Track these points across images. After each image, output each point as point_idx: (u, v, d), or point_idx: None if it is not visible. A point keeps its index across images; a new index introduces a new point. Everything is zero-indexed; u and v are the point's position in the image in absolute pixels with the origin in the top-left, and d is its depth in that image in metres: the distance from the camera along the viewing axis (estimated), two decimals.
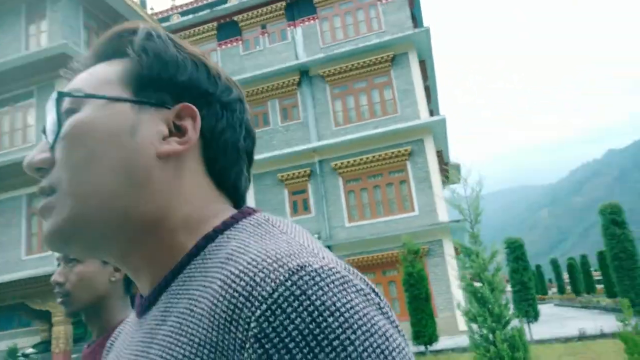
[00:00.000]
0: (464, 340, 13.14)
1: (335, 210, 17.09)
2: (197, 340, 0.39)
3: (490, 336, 5.52)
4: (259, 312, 0.36)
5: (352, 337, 0.35)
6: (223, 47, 19.99)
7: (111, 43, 0.53)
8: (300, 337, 0.35)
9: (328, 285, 0.37)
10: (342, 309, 0.36)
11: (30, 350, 16.91)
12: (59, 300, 1.37)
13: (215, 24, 20.08)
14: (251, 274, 0.38)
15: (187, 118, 0.50)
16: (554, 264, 35.31)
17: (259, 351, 0.35)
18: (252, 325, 0.36)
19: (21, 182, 14.94)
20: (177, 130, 0.50)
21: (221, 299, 0.39)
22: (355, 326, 0.36)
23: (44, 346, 16.72)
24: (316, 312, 0.35)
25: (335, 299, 0.36)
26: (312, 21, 19.13)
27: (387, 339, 0.37)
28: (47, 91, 15.54)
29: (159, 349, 0.43)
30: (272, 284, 0.36)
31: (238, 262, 0.40)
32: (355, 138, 16.93)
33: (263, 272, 0.38)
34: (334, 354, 0.34)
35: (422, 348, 11.85)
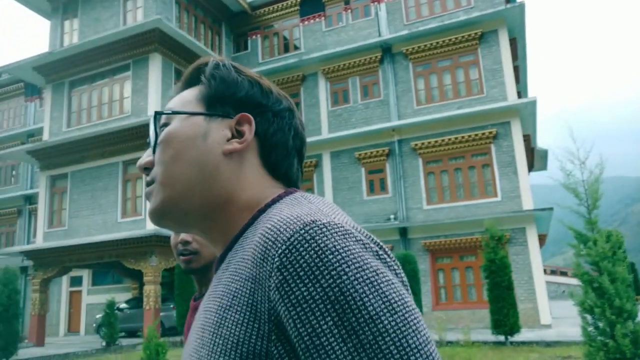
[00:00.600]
0: (546, 334, 12.54)
1: (413, 191, 16.72)
2: (244, 276, 0.54)
3: (608, 330, 5.15)
4: (280, 250, 0.51)
5: (347, 269, 0.48)
6: (306, 23, 19.95)
7: (192, 74, 0.71)
8: (307, 268, 0.49)
9: (332, 234, 0.50)
10: (341, 250, 0.49)
11: (124, 305, 18.32)
12: (184, 257, 1.44)
13: None
14: (278, 226, 0.53)
15: (245, 124, 0.66)
16: None
17: (280, 277, 0.49)
18: (275, 260, 0.50)
19: (118, 149, 15.96)
20: (238, 134, 0.66)
21: (258, 244, 0.54)
22: (350, 262, 0.49)
23: (135, 302, 18.04)
24: (320, 251, 0.49)
25: (335, 243, 0.50)
26: None
27: (377, 275, 0.49)
28: (142, 64, 16.33)
29: (222, 287, 0.58)
30: (291, 231, 0.51)
31: (272, 220, 0.55)
32: (437, 118, 16.35)
33: (285, 225, 0.52)
34: (331, 280, 0.48)
35: (501, 338, 11.45)
